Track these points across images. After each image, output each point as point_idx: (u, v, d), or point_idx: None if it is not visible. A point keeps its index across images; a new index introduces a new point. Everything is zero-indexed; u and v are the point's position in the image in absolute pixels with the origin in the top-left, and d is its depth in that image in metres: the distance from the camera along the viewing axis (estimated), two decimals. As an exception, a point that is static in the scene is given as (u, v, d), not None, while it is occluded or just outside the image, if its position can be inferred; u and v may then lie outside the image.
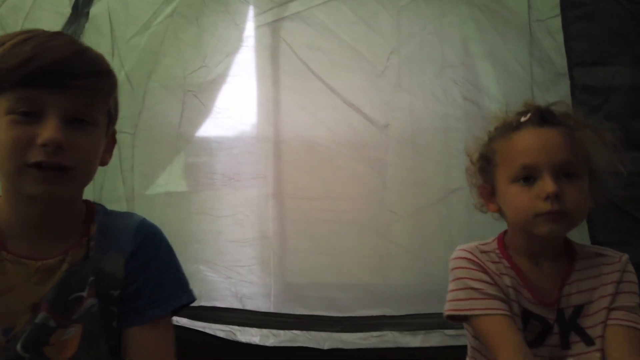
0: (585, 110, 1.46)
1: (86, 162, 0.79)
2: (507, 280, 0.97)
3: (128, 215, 0.91)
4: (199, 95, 1.51)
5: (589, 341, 0.95)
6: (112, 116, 0.86)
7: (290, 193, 1.53)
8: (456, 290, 0.98)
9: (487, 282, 0.96)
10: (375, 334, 1.48)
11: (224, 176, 1.52)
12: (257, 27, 1.56)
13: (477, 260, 0.98)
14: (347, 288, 1.52)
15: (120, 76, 1.47)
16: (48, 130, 0.73)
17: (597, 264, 0.99)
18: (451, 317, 0.99)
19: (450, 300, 0.99)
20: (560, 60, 1.49)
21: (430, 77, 1.52)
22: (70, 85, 0.75)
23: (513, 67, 1.51)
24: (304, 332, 1.48)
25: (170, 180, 1.54)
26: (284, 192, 1.54)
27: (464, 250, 1.01)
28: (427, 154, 1.50)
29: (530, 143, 0.95)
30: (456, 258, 1.01)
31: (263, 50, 1.54)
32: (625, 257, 1.00)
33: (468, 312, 0.96)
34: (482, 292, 0.95)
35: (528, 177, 0.94)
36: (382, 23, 1.52)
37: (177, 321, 1.41)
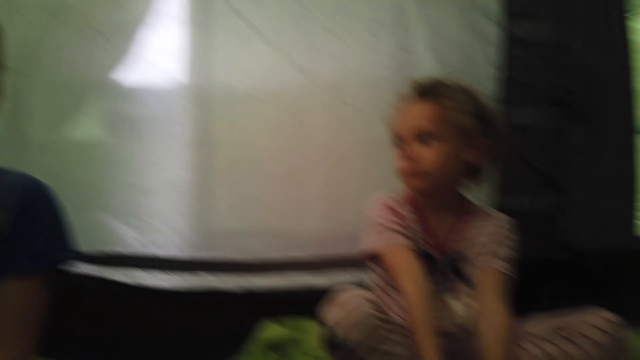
0: (511, 62, 1.55)
1: None
2: (411, 223, 1.16)
3: (18, 174, 0.86)
4: (111, 38, 1.41)
5: (466, 281, 1.13)
6: None
7: (205, 141, 1.48)
8: (370, 231, 1.16)
9: (396, 222, 1.14)
10: (283, 275, 1.50)
11: (134, 122, 1.45)
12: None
13: (389, 205, 1.17)
14: (261, 235, 1.51)
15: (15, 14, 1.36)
16: None
17: (482, 219, 1.18)
18: (364, 257, 1.17)
19: (366, 240, 1.16)
20: (496, 12, 1.52)
21: (360, 22, 1.47)
22: None
23: (448, 14, 1.52)
24: (213, 276, 1.47)
25: (77, 127, 1.47)
26: (198, 140, 1.48)
27: (379, 198, 1.19)
28: (352, 103, 1.48)
29: (400, 114, 1.17)
30: (372, 204, 1.19)
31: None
32: (507, 218, 1.19)
33: (378, 248, 1.13)
34: (391, 229, 1.13)
35: (399, 144, 1.15)
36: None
37: (78, 268, 1.36)
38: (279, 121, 1.49)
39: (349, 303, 0.97)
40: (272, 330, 1.34)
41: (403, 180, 1.15)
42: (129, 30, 1.45)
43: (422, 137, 1.11)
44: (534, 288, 1.45)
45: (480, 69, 1.51)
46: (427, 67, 1.50)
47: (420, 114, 1.13)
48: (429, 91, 1.16)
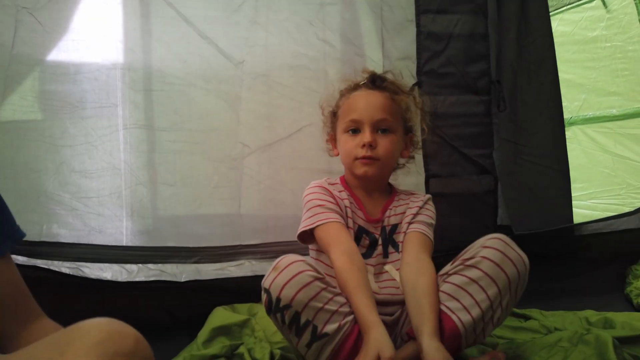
0: (428, 55, 1.59)
1: None
2: (346, 203, 1.24)
3: None
4: (36, 14, 1.36)
5: (399, 250, 1.23)
6: None
7: (141, 124, 1.47)
8: (306, 213, 1.21)
9: (329, 201, 1.21)
10: (232, 263, 1.52)
11: (69, 104, 1.41)
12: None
13: (325, 188, 1.24)
14: (202, 219, 1.53)
15: None
16: None
17: (408, 198, 1.29)
18: (301, 238, 1.22)
19: (302, 223, 1.21)
20: (410, 7, 1.59)
21: (287, 15, 1.52)
22: None
23: (365, 11, 1.58)
24: (159, 265, 1.46)
25: (4, 107, 1.40)
26: (134, 123, 1.47)
27: (315, 182, 1.27)
28: (281, 90, 1.53)
29: (359, 102, 1.23)
30: (308, 188, 1.26)
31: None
32: (428, 196, 1.31)
33: (312, 225, 1.17)
34: (324, 207, 1.19)
35: (355, 129, 1.22)
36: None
37: (14, 259, 1.34)
38: (212, 105, 1.50)
39: (284, 264, 0.98)
40: (221, 315, 1.35)
41: (355, 166, 1.22)
42: (62, 10, 1.40)
43: (381, 127, 1.21)
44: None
45: (396, 63, 1.57)
46: (347, 59, 1.57)
47: (380, 105, 1.21)
48: (383, 84, 1.26)
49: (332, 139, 1.35)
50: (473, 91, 1.62)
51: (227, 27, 1.49)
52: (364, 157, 1.20)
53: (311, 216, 1.19)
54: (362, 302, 1.00)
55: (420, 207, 1.26)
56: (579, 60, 2.49)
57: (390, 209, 1.27)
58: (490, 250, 1.04)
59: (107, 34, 1.44)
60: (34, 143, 1.40)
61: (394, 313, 1.16)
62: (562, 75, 1.75)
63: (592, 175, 2.40)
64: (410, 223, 1.23)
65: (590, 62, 2.47)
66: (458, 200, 1.61)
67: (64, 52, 1.41)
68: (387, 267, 1.22)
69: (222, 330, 1.28)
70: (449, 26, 1.60)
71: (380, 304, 1.11)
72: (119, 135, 1.46)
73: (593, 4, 2.43)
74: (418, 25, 1.59)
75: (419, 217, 1.25)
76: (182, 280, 1.45)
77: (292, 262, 0.99)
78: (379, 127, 1.21)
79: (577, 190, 2.34)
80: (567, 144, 1.74)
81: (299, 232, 1.21)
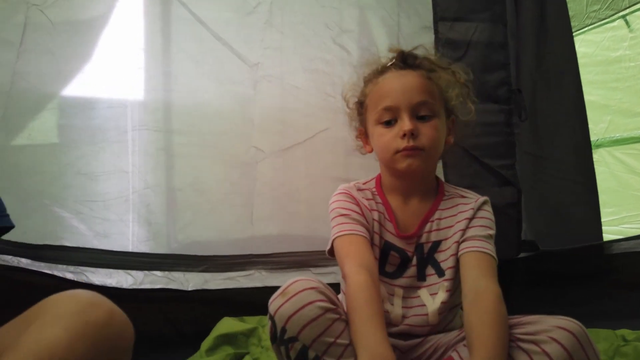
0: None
1: None
2: (375, 215, 1.05)
3: None
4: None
5: (441, 273, 1.03)
6: None
7: (151, 125, 1.44)
8: (331, 223, 1.04)
9: (355, 212, 1.03)
10: (242, 273, 1.46)
11: (77, 105, 1.40)
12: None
13: (352, 195, 1.06)
14: (212, 226, 1.48)
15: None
16: None
17: (457, 203, 1.07)
18: (331, 252, 1.04)
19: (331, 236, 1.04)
20: (427, 14, 1.55)
21: (302, 18, 1.50)
22: None
23: (381, 16, 1.55)
24: (166, 272, 1.42)
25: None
26: (144, 124, 1.44)
27: (342, 188, 1.09)
28: (295, 94, 1.50)
29: (392, 86, 1.03)
30: (334, 195, 1.08)
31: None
32: (483, 199, 1.08)
33: (333, 237, 1.02)
34: (349, 218, 1.02)
35: (390, 120, 1.02)
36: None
37: (17, 262, 1.31)
38: (225, 108, 1.47)
39: (293, 291, 0.84)
40: (228, 324, 1.30)
41: (397, 160, 1.02)
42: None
43: (421, 112, 1.01)
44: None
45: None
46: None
47: (417, 86, 1.02)
48: (416, 61, 1.07)
49: (363, 134, 1.14)
50: (493, 100, 1.54)
51: (242, 28, 1.47)
52: (405, 149, 1.00)
53: (334, 226, 1.03)
54: (370, 331, 0.84)
55: (471, 218, 1.03)
56: (603, 81, 2.44)
57: (432, 222, 1.06)
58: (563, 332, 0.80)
59: (122, 35, 1.43)
60: (41, 146, 1.38)
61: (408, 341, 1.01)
62: (586, 97, 1.68)
63: (623, 199, 2.32)
64: (460, 242, 1.02)
65: (614, 83, 2.42)
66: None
67: (75, 53, 1.40)
68: (420, 292, 1.03)
69: (227, 339, 1.24)
70: (467, 34, 1.55)
71: (399, 335, 0.99)
72: (128, 137, 1.43)
73: (615, 23, 2.39)
74: (436, 32, 1.55)
75: (471, 232, 1.02)
76: (189, 289, 1.41)
77: (303, 290, 0.84)
78: (418, 113, 1.01)
79: (608, 215, 2.25)
80: (595, 167, 1.66)
81: (328, 247, 1.06)
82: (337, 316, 0.85)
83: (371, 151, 1.13)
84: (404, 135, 0.99)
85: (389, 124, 1.03)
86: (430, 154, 1.02)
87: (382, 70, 1.08)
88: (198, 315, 1.40)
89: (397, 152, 1.01)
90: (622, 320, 1.50)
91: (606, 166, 2.41)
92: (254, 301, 1.36)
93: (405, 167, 1.01)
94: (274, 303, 0.85)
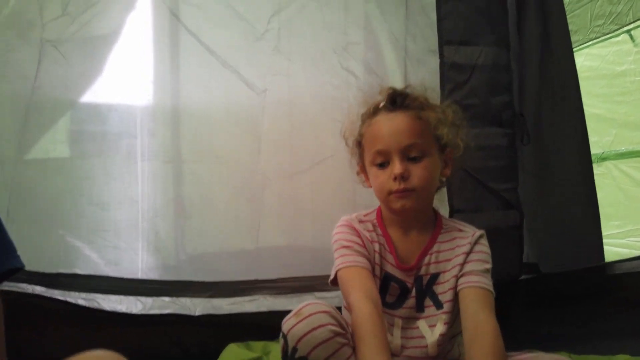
0: (452, 86, 1.55)
1: None
2: (376, 247, 1.09)
3: None
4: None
5: (439, 305, 1.07)
6: None
7: (161, 155, 1.46)
8: (334, 254, 1.08)
9: (357, 244, 1.07)
10: (247, 298, 1.47)
11: (87, 135, 1.42)
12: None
13: (353, 227, 1.10)
14: (218, 252, 1.49)
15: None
16: None
17: (455, 237, 1.11)
18: (334, 283, 1.09)
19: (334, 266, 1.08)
20: (432, 37, 1.56)
21: (310, 43, 1.51)
22: None
23: (388, 40, 1.56)
24: (174, 298, 1.43)
25: (39, 144, 1.42)
26: (154, 154, 1.46)
27: (344, 219, 1.13)
28: (303, 119, 1.51)
29: (382, 129, 1.07)
30: (337, 227, 1.12)
31: (131, 2, 1.44)
32: (479, 233, 1.11)
33: (336, 268, 1.06)
34: (352, 249, 1.06)
35: (382, 162, 1.06)
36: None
37: (32, 290, 1.33)
38: (233, 135, 1.49)
39: (307, 313, 0.89)
40: (234, 352, 1.30)
41: (391, 201, 1.05)
42: (91, 48, 1.42)
43: (412, 153, 1.04)
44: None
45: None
46: (369, 89, 1.48)
47: (406, 128, 1.05)
48: (405, 102, 1.09)
49: (363, 170, 1.17)
50: (497, 123, 1.55)
51: (250, 55, 1.48)
52: (397, 191, 1.03)
53: (337, 257, 1.07)
54: (377, 359, 0.88)
55: (469, 252, 1.07)
56: (608, 94, 2.45)
57: (431, 254, 1.09)
58: None
59: (129, 67, 1.45)
60: (53, 176, 1.40)
61: None
62: (591, 110, 1.71)
63: (629, 212, 2.33)
64: (459, 276, 1.05)
65: (619, 97, 2.43)
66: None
67: (88, 85, 1.42)
68: (419, 323, 1.07)
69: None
70: (472, 57, 1.55)
71: None
72: (137, 167, 1.45)
73: (619, 38, 2.40)
74: (441, 55, 1.55)
75: (469, 266, 1.05)
76: (196, 314, 1.43)
77: (316, 313, 0.89)
78: (408, 155, 1.04)
79: (613, 228, 2.26)
80: (601, 179, 1.69)
81: (330, 278, 1.10)
82: (345, 341, 0.89)
83: (371, 186, 1.16)
84: (395, 178, 1.03)
85: (382, 165, 1.06)
86: (421, 194, 1.06)
87: (374, 111, 1.11)
88: (204, 338, 1.42)
89: (391, 193, 1.05)
90: (624, 340, 1.51)
91: (612, 179, 2.42)
92: (259, 324, 1.39)
93: (399, 208, 1.05)
94: (287, 322, 0.89)
